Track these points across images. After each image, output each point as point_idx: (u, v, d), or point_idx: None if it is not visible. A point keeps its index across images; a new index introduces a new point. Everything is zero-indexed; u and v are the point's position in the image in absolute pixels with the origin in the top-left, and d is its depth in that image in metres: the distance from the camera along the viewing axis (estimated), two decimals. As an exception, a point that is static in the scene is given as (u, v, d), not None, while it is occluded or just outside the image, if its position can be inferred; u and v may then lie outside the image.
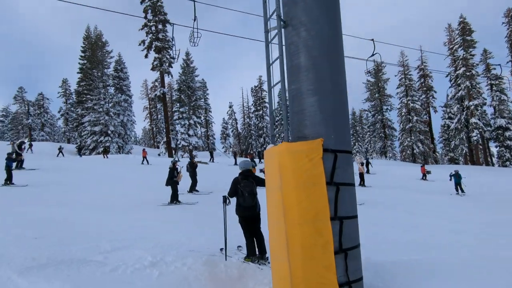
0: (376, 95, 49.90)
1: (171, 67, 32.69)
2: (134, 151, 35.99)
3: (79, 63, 34.88)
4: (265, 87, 58.88)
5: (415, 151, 43.72)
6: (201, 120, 44.00)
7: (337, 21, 3.02)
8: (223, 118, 62.18)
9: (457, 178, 15.93)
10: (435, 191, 16.42)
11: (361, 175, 16.89)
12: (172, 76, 32.45)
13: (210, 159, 25.90)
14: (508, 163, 34.18)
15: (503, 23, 36.89)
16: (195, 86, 32.68)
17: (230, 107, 62.63)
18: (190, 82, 32.65)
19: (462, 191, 15.96)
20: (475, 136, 33.46)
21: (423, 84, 46.28)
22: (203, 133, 61.50)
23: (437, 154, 50.52)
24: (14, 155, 13.62)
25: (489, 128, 36.53)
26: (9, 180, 11.14)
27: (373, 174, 23.54)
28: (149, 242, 4.63)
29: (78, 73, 35.05)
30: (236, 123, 63.33)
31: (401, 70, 46.03)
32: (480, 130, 33.16)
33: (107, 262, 3.54)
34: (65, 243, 4.36)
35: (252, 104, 62.60)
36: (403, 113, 44.92)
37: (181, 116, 31.03)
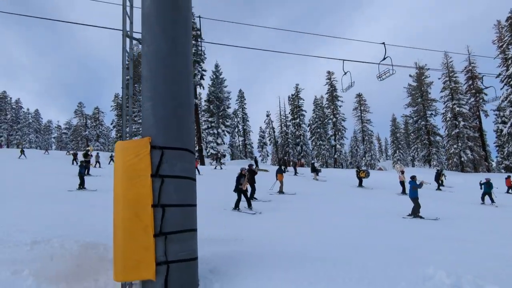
0: (419, 99, 47.00)
1: (203, 79, 34.60)
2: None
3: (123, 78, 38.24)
4: (301, 95, 58.88)
5: (462, 159, 40.08)
6: (230, 129, 45.36)
7: (177, 38, 3.47)
8: (260, 127, 63.21)
9: (487, 187, 14.63)
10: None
11: (402, 183, 16.43)
12: (204, 88, 34.48)
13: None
14: None
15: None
16: (223, 97, 34.05)
17: (268, 115, 63.45)
18: (219, 93, 34.08)
19: (493, 201, 14.60)
20: (529, 142, 29.66)
21: (471, 87, 42.48)
22: (230, 141, 63.05)
23: (491, 161, 45.69)
24: (85, 163, 15.37)
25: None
26: (82, 185, 12.60)
27: (449, 187, 20.49)
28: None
29: (122, 88, 38.34)
30: (274, 132, 63.81)
31: (445, 72, 42.89)
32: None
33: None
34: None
35: (289, 113, 62.65)
36: (448, 118, 41.62)
37: (210, 126, 32.46)
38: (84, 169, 13.43)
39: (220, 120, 32.01)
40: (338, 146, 50.90)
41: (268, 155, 62.91)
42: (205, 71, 34.68)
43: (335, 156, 51.36)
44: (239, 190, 10.08)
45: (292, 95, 61.50)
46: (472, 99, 42.43)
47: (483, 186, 14.94)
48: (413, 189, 10.49)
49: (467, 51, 42.22)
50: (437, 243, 6.34)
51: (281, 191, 14.67)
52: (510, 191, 19.20)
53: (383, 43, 14.25)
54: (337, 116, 51.73)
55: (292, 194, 14.56)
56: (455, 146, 40.36)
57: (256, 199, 12.15)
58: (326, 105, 53.87)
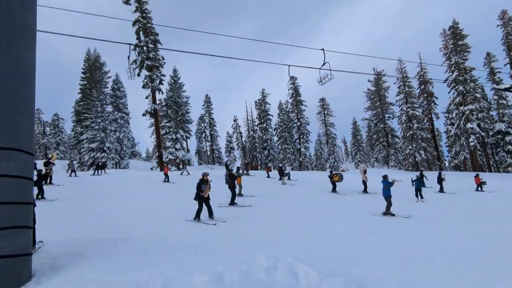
0: (377, 103, 49.20)
1: (162, 84, 34.17)
2: (131, 165, 37.36)
3: (79, 84, 37.36)
4: (268, 99, 59.70)
5: (417, 159, 42.28)
6: (190, 135, 45.01)
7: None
8: (227, 132, 63.21)
9: (418, 183, 15.56)
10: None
11: (364, 183, 17.21)
12: (163, 93, 34.07)
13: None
14: (510, 168, 32.19)
15: (498, 25, 35.63)
16: (181, 102, 33.77)
17: (235, 120, 63.65)
18: (177, 98, 33.82)
19: (422, 197, 15.54)
20: (472, 142, 31.93)
21: (423, 91, 45.11)
22: (197, 147, 62.70)
23: (444, 161, 48.49)
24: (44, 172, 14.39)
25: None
26: (40, 195, 12.03)
27: (451, 194, 18.23)
28: None
29: (78, 93, 37.54)
30: (241, 136, 64.03)
31: (400, 77, 45.24)
32: (477, 135, 31.67)
33: None
34: None
35: (256, 117, 63.15)
36: (403, 121, 43.86)
37: (168, 131, 32.10)
38: (42, 180, 12.61)
39: (180, 125, 31.71)
40: (302, 149, 51.95)
41: (235, 160, 62.91)
42: (164, 76, 34.39)
43: (300, 159, 52.34)
44: (200, 198, 9.10)
45: (259, 99, 62.24)
46: (425, 103, 45.01)
47: (414, 182, 15.89)
48: (385, 188, 10.74)
49: (419, 58, 44.96)
50: (321, 236, 6.76)
51: (239, 194, 14.68)
52: (479, 189, 19.48)
53: (322, 49, 14.84)
54: (301, 120, 52.88)
55: (251, 196, 14.76)
56: (410, 147, 42.49)
57: (237, 204, 12.07)
58: (291, 110, 54.95)
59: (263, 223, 8.89)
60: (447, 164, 51.52)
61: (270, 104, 59.21)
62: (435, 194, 18.30)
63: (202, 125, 63.33)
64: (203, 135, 63.39)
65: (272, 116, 57.85)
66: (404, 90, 44.44)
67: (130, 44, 9.54)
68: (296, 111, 53.96)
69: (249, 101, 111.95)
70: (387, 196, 10.67)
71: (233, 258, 3.99)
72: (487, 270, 4.38)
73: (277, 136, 57.59)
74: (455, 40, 34.98)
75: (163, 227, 7.80)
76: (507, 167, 32.59)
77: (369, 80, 50.43)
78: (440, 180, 19.01)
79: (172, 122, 32.13)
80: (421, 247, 6.01)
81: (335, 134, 55.56)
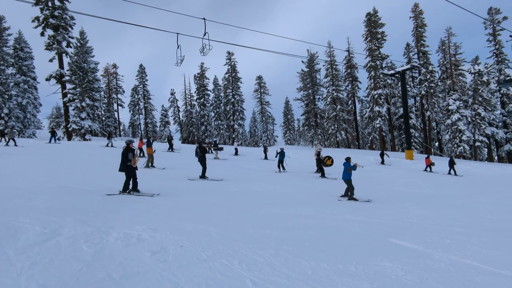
0: (309, 85, 50.54)
1: (70, 47, 31.10)
2: (41, 135, 34.42)
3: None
4: (207, 74, 58.35)
5: (338, 139, 44.74)
6: (101, 104, 42.43)
7: None
8: (162, 105, 60.92)
9: (281, 156, 16.50)
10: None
11: (318, 165, 16.41)
12: (71, 57, 30.85)
13: (169, 149, 23.22)
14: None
15: (410, 17, 38.02)
16: (88, 67, 31.24)
17: (172, 94, 61.44)
18: (83, 63, 31.15)
19: (283, 168, 16.58)
20: (378, 124, 34.51)
21: (349, 75, 47.16)
22: (131, 120, 60.14)
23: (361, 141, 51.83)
24: None
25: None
26: None
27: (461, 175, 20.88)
28: None
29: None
30: (178, 111, 62.23)
31: (328, 60, 46.63)
32: (383, 118, 34.26)
33: None
34: None
35: (195, 92, 61.51)
36: (328, 102, 45.72)
37: (72, 98, 29.67)
38: None
39: (86, 93, 29.38)
40: (236, 126, 52.08)
41: (171, 135, 61.31)
42: (72, 38, 31.18)
43: (233, 135, 52.53)
44: (127, 168, 8.37)
45: (198, 74, 60.45)
46: (350, 86, 47.24)
47: (278, 155, 16.89)
48: (347, 170, 10.13)
49: (347, 43, 46.60)
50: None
51: (147, 166, 14.28)
52: (427, 169, 21.56)
53: (204, 18, 14.36)
54: (236, 96, 52.63)
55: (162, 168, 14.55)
56: (332, 127, 44.71)
57: (208, 177, 12.14)
58: (226, 85, 54.32)
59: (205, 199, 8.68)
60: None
61: (209, 79, 58.06)
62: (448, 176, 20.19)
63: (136, 96, 60.22)
64: (137, 108, 60.52)
65: (212, 92, 56.89)
66: (332, 73, 46.06)
67: None
68: (231, 87, 53.46)
69: (189, 75, 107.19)
70: (348, 179, 10.08)
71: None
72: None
73: (213, 112, 56.98)
74: (370, 28, 36.73)
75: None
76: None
77: (302, 61, 51.35)
78: (452, 163, 20.79)
79: (77, 89, 29.63)
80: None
81: (269, 113, 56.49)
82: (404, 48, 45.17)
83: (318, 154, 16.21)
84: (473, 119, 34.67)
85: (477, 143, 34.74)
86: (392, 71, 29.45)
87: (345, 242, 5.23)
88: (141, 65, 60.20)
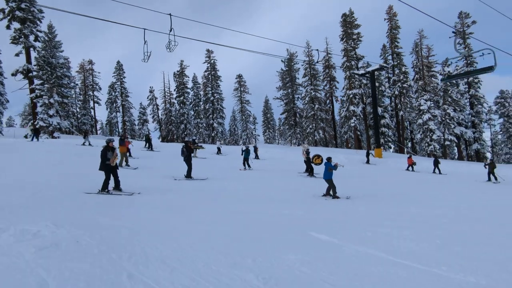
0: (288, 84, 50.75)
1: (38, 41, 29.97)
2: (9, 133, 33.09)
3: None
4: (187, 72, 57.71)
5: (316, 138, 45.17)
6: (76, 101, 41.22)
7: None
8: (140, 103, 59.82)
9: (246, 153, 16.49)
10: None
11: (306, 162, 16.04)
12: (37, 51, 29.70)
13: (147, 146, 22.42)
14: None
15: (385, 19, 38.84)
16: (56, 63, 30.21)
17: (151, 91, 60.42)
18: (51, 58, 30.09)
19: (249, 166, 16.57)
20: (353, 123, 35.10)
21: (327, 75, 47.68)
22: (108, 117, 58.93)
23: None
24: None
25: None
26: None
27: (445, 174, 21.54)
28: None
29: None
30: (157, 109, 61.25)
31: (307, 60, 46.97)
32: (358, 117, 34.87)
33: None
34: None
35: (174, 90, 60.68)
36: (306, 101, 46.08)
37: (39, 94, 28.62)
38: None
39: (55, 89, 28.32)
40: (215, 124, 51.75)
41: (149, 133, 60.32)
42: (40, 32, 30.04)
43: (213, 134, 52.20)
44: (106, 167, 8.29)
45: (177, 71, 59.66)
46: (328, 86, 47.77)
47: (243, 152, 16.89)
48: (328, 170, 10.21)
49: (325, 43, 47.08)
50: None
51: (120, 165, 13.53)
52: (409, 168, 21.71)
53: (170, 14, 14.13)
54: (215, 95, 52.29)
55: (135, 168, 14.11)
56: (310, 126, 45.08)
57: (193, 177, 11.86)
58: (205, 84, 53.89)
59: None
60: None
61: (189, 77, 57.45)
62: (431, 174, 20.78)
63: (113, 94, 58.93)
64: (114, 105, 59.23)
65: (191, 90, 56.29)
66: (310, 73, 46.44)
67: None
68: (211, 86, 53.08)
69: (168, 72, 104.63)
70: (329, 179, 10.18)
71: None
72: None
73: (192, 110, 56.42)
74: (346, 28, 37.31)
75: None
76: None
77: (282, 61, 51.46)
78: (436, 163, 21.38)
79: (45, 85, 28.49)
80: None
81: (249, 112, 56.46)
82: (381, 49, 46.14)
83: (307, 153, 16.04)
84: (443, 119, 35.76)
85: (447, 142, 35.88)
86: (362, 71, 29.98)
87: (263, 236, 5.23)
88: (118, 62, 59.01)
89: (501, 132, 46.39)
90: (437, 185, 16.03)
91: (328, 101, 48.09)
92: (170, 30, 13.97)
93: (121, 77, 58.38)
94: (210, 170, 15.10)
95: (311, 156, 15.66)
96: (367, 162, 24.21)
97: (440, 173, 21.19)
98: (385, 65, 32.88)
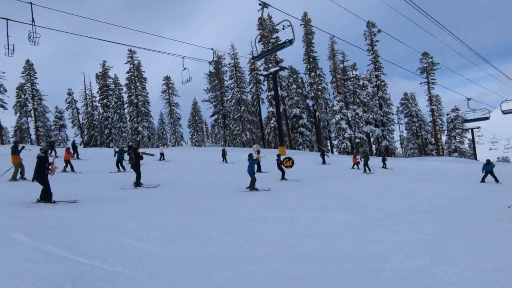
0: (217, 86, 50.73)
1: None
2: None
3: None
4: (110, 73, 54.23)
5: (243, 139, 45.79)
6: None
7: None
8: (56, 107, 54.67)
9: (119, 155, 15.85)
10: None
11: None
12: None
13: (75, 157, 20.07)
14: (300, 147, 38.55)
15: (301, 24, 41.22)
16: None
17: (69, 94, 55.49)
18: None
19: (123, 168, 15.88)
20: (272, 124, 36.45)
21: (254, 78, 48.78)
22: (18, 123, 52.91)
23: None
24: None
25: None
26: None
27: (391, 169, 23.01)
28: None
29: None
30: (78, 113, 56.45)
31: (232, 62, 47.52)
32: (275, 117, 36.31)
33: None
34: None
35: (97, 92, 56.48)
36: (233, 103, 46.53)
37: None
38: None
39: None
40: (140, 128, 49.47)
41: (67, 140, 55.33)
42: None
43: (138, 138, 49.82)
44: (42, 177, 7.45)
45: (100, 72, 55.78)
46: (254, 88, 48.86)
47: (116, 154, 16.42)
48: (250, 165, 11.46)
49: (251, 46, 48.03)
50: None
51: (13, 178, 11.36)
52: (354, 167, 22.18)
53: (30, 2, 12.61)
54: (139, 97, 50.06)
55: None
56: (238, 128, 45.58)
57: (143, 184, 11.16)
58: (128, 85, 51.29)
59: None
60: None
61: (112, 78, 54.17)
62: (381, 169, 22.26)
63: (23, 96, 52.84)
64: (25, 109, 53.10)
65: (113, 92, 53.02)
66: (236, 75, 47.04)
67: None
68: (134, 88, 50.67)
69: (89, 73, 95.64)
70: (252, 172, 11.41)
71: None
72: None
73: (116, 114, 53.23)
74: (263, 31, 38.63)
75: None
76: (299, 145, 38.83)
77: (210, 63, 51.20)
78: (383, 159, 23.68)
79: None
80: None
81: (179, 114, 55.12)
82: (303, 54, 48.75)
83: (258, 152, 16.43)
84: (353, 118, 39.03)
85: (357, 140, 39.20)
86: (265, 72, 31.34)
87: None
88: (27, 61, 53.18)
89: (405, 130, 52.33)
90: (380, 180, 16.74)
91: (255, 103, 49.20)
92: (32, 21, 12.93)
93: (32, 77, 52.68)
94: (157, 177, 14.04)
95: (282, 159, 15.65)
96: (323, 162, 24.26)
97: (385, 167, 23.03)
98: (284, 66, 34.77)
